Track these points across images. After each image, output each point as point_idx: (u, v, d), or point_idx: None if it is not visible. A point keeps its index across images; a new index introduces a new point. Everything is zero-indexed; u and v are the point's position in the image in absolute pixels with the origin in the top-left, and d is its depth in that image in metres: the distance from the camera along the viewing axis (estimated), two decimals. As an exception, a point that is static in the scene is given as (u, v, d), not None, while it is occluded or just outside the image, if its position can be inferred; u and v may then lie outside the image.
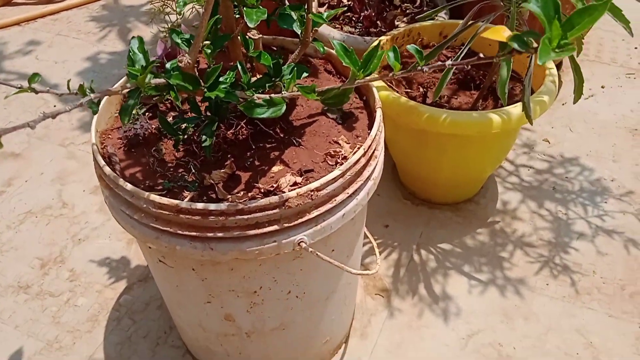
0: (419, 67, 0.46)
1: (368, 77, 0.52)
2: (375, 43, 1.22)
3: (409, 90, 1.22)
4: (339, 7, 1.47)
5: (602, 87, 1.64)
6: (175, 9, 1.55)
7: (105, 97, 0.84)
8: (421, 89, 1.22)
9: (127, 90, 0.56)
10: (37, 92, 0.62)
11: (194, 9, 1.92)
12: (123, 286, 1.18)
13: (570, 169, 1.40)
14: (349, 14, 1.47)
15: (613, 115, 1.54)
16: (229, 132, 0.82)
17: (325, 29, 1.36)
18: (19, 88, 0.60)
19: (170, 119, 0.83)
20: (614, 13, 0.79)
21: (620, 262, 1.19)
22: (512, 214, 1.30)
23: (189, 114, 0.79)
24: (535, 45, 0.38)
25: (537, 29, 1.42)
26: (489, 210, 1.31)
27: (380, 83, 1.13)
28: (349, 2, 1.47)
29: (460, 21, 1.26)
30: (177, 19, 1.58)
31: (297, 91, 0.56)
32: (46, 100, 1.67)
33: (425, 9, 1.45)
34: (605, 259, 1.20)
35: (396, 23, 1.41)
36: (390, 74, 0.50)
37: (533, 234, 1.25)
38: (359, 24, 1.42)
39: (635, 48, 1.78)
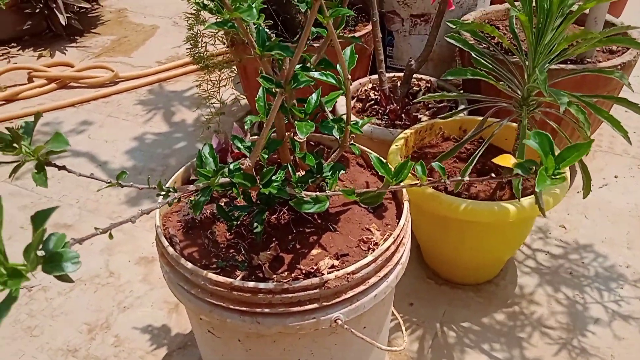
0: (442, 181, 0.58)
1: (399, 185, 0.63)
2: (401, 135, 1.35)
3: (430, 179, 1.33)
4: (367, 100, 1.62)
5: (615, 177, 1.73)
6: (219, 99, 1.73)
7: (170, 181, 0.97)
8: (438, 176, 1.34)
9: (200, 188, 0.68)
10: (122, 186, 0.74)
11: (234, 98, 2.10)
12: (164, 353, 1.26)
13: (585, 254, 1.48)
14: (375, 106, 1.61)
15: (626, 204, 1.63)
16: (273, 217, 0.93)
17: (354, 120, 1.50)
18: (109, 183, 0.72)
19: (222, 204, 0.95)
20: (614, 124, 0.91)
21: (637, 346, 1.24)
22: (529, 297, 1.36)
23: (239, 201, 0.90)
24: (534, 170, 0.49)
25: (556, 141, 1.54)
26: (508, 292, 1.38)
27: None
28: (376, 96, 1.62)
29: (478, 117, 1.39)
30: (220, 106, 1.75)
31: (339, 190, 0.68)
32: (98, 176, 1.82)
33: (445, 104, 1.59)
34: (622, 343, 1.25)
35: (419, 116, 1.54)
36: (418, 184, 0.61)
37: (551, 317, 1.31)
38: (385, 117, 1.56)
39: (646, 140, 1.88)
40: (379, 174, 1.05)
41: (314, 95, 0.78)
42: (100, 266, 1.50)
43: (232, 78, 1.89)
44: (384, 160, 0.63)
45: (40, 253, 0.48)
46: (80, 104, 2.24)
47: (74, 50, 2.69)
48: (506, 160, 0.51)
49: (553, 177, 0.48)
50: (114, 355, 1.26)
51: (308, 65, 0.79)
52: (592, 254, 1.48)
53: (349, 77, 0.73)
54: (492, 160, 0.52)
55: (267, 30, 0.82)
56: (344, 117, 0.82)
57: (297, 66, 0.71)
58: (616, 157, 1.83)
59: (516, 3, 1.02)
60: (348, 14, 0.66)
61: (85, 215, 1.67)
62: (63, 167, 0.73)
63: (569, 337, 1.26)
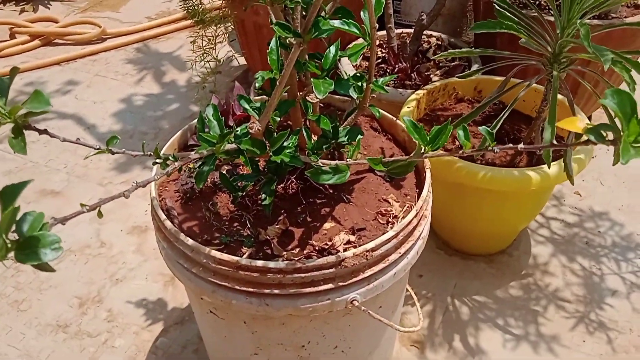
0: (490, 148, 0.49)
1: (435, 152, 0.55)
2: (413, 97, 1.26)
3: (445, 144, 1.25)
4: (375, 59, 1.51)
5: (632, 141, 1.65)
6: (215, 56, 1.61)
7: (164, 148, 0.87)
8: (457, 142, 1.25)
9: (204, 155, 0.59)
10: (113, 153, 0.65)
11: (230, 54, 1.98)
12: (160, 328, 1.19)
13: (601, 223, 1.41)
14: (383, 65, 1.51)
15: (644, 169, 1.56)
16: (279, 187, 0.84)
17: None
18: (98, 149, 0.63)
19: (224, 171, 0.86)
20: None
21: (656, 320, 1.18)
22: (544, 267, 1.30)
23: (242, 168, 0.81)
24: (609, 137, 0.41)
25: (578, 96, 1.45)
26: (522, 262, 1.32)
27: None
28: (384, 54, 1.52)
29: (495, 77, 1.29)
30: (216, 64, 1.63)
31: (364, 160, 0.59)
32: (84, 140, 1.71)
33: (458, 62, 1.49)
34: (640, 316, 1.19)
35: (430, 76, 1.44)
36: (461, 152, 0.52)
37: (566, 289, 1.25)
38: (394, 76, 1.46)
39: (663, 103, 1.80)
40: (396, 138, 0.96)
41: (332, 49, 0.68)
42: (90, 236, 1.41)
43: (228, 35, 1.77)
44: (418, 125, 0.55)
45: (14, 236, 0.40)
46: (65, 62, 2.11)
47: (59, 5, 2.53)
48: (573, 124, 0.42)
49: (635, 144, 0.39)
50: (107, 331, 1.19)
51: (323, 14, 0.69)
52: (609, 222, 1.42)
53: (376, 25, 0.63)
54: (557, 124, 0.44)
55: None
56: (359, 74, 0.72)
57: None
58: None
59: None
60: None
61: (74, 181, 1.58)
62: (44, 131, 0.63)
63: (586, 311, 1.21)
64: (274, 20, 0.61)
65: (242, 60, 1.97)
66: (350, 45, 0.72)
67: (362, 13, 0.67)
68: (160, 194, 0.84)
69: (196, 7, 1.52)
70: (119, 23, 2.36)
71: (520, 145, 0.48)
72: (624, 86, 0.86)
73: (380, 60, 1.51)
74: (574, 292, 1.24)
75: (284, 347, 0.80)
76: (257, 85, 0.61)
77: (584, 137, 0.42)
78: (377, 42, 1.58)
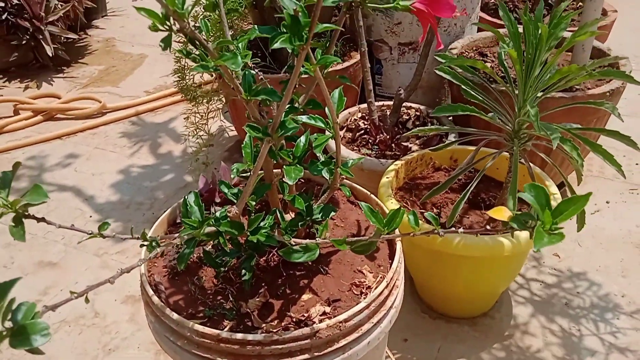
0: (436, 231, 0.56)
1: (391, 234, 0.61)
2: (392, 167, 1.33)
3: (423, 211, 1.31)
4: (357, 130, 1.60)
5: (607, 202, 1.72)
6: (207, 131, 1.71)
7: (154, 227, 0.94)
8: (434, 209, 1.32)
9: (185, 240, 0.66)
10: (104, 237, 0.71)
11: (223, 128, 2.09)
12: (151, 399, 1.22)
13: (579, 283, 1.46)
14: (365, 136, 1.60)
15: (619, 230, 1.62)
16: (262, 259, 0.90)
17: (344, 151, 1.49)
18: (90, 234, 0.69)
19: (210, 247, 0.93)
20: (608, 159, 0.89)
21: (635, 380, 1.21)
22: (524, 328, 1.34)
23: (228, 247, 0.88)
24: (531, 224, 0.47)
25: (546, 170, 1.53)
26: (504, 324, 1.36)
27: (397, 204, 1.23)
28: (366, 126, 1.61)
29: (469, 147, 1.38)
30: (209, 138, 1.73)
31: (329, 240, 0.65)
32: (83, 211, 1.79)
33: (435, 133, 1.57)
34: (620, 376, 1.22)
35: (410, 146, 1.53)
36: (411, 234, 0.59)
37: (546, 350, 1.28)
38: (375, 147, 1.54)
39: (637, 164, 1.88)
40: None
41: (303, 138, 0.76)
42: (85, 306, 1.45)
43: (221, 108, 1.87)
44: (375, 209, 0.61)
45: (8, 324, 0.45)
46: (66, 136, 2.21)
47: (61, 81, 2.67)
48: (501, 213, 0.49)
49: (551, 232, 0.46)
50: (99, 402, 1.21)
51: (296, 105, 0.77)
52: (587, 282, 1.46)
53: (337, 121, 0.71)
54: (487, 212, 0.50)
55: (254, 66, 0.81)
56: (334, 155, 0.80)
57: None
58: (607, 182, 1.82)
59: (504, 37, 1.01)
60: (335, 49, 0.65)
61: (71, 252, 1.63)
62: (42, 219, 0.70)
63: (568, 372, 1.24)
64: (250, 115, 0.69)
65: (234, 132, 2.07)
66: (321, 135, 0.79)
67: (326, 109, 0.75)
68: (149, 269, 0.90)
69: (189, 87, 1.63)
70: (118, 97, 2.48)
71: (461, 230, 0.54)
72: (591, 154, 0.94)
73: (362, 132, 1.60)
74: (554, 354, 1.28)
75: (266, 416, 0.84)
76: (232, 177, 0.69)
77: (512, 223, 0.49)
78: (360, 114, 1.68)
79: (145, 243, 0.66)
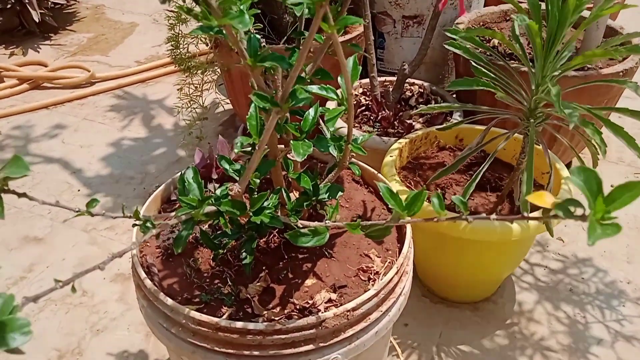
0: (464, 217, 0.50)
1: (412, 217, 0.56)
2: (396, 145, 1.27)
3: (428, 192, 1.26)
4: (358, 106, 1.54)
5: (612, 186, 1.67)
6: (201, 103, 1.63)
7: (146, 204, 0.88)
8: (439, 190, 1.26)
9: (182, 220, 0.60)
10: (93, 215, 0.65)
11: (217, 101, 2.01)
12: (141, 382, 1.17)
13: (584, 269, 1.42)
14: (367, 112, 1.53)
15: (625, 215, 1.58)
16: (262, 241, 0.84)
17: (344, 128, 1.42)
18: (77, 212, 0.63)
19: (207, 227, 0.87)
20: (630, 143, 0.84)
21: (641, 369, 1.18)
22: (528, 315, 1.30)
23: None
24: (578, 213, 0.42)
25: (557, 144, 1.47)
26: (506, 310, 1.32)
27: (399, 186, 1.17)
28: (367, 102, 1.55)
29: (475, 126, 1.32)
30: (203, 111, 1.65)
31: (342, 224, 0.60)
32: (70, 185, 1.72)
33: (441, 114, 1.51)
34: (625, 365, 1.19)
35: (413, 124, 1.47)
36: (435, 219, 0.53)
37: (551, 338, 1.25)
38: (377, 124, 1.48)
39: (642, 148, 1.84)
40: (377, 190, 0.97)
41: (312, 111, 0.69)
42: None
43: (215, 80, 1.79)
44: (394, 190, 0.55)
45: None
46: (54, 106, 2.12)
47: (48, 49, 2.56)
48: (542, 199, 0.43)
49: (602, 222, 0.40)
50: (86, 384, 1.16)
51: (303, 75, 0.71)
52: (592, 268, 1.42)
53: (352, 92, 0.65)
54: (527, 198, 0.45)
55: (255, 32, 0.74)
56: (342, 131, 0.74)
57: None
58: (611, 165, 1.78)
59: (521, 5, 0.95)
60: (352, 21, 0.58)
61: (58, 228, 1.57)
62: (23, 195, 0.63)
63: (572, 360, 1.20)
64: (255, 85, 0.63)
65: (229, 105, 1.99)
66: (328, 109, 0.73)
67: (339, 78, 0.68)
68: (141, 249, 0.84)
69: (183, 56, 1.55)
70: (108, 67, 2.39)
71: (493, 216, 0.49)
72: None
73: (364, 108, 1.54)
74: (559, 341, 1.24)
75: (264, 407, 0.79)
76: (236, 151, 0.63)
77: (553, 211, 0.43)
78: (361, 90, 1.62)
79: (138, 223, 0.60)
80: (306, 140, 0.64)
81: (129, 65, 2.38)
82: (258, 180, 0.65)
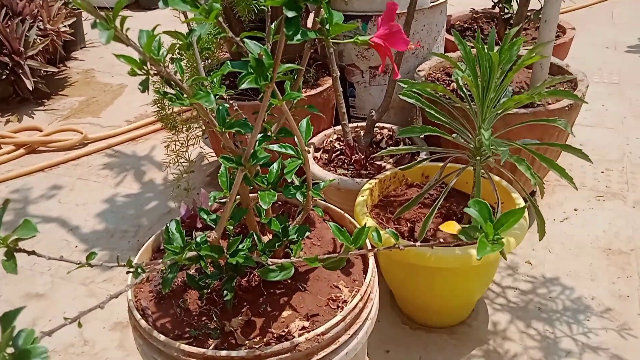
0: (397, 246, 0.61)
1: (359, 249, 0.67)
2: (367, 186, 1.40)
3: (398, 226, 1.37)
4: (332, 151, 1.67)
5: (575, 210, 1.80)
6: (187, 158, 1.76)
7: (139, 254, 0.98)
8: (408, 224, 1.38)
9: (168, 265, 0.71)
10: (92, 266, 0.76)
11: (203, 154, 2.13)
12: (142, 423, 1.24)
13: (552, 288, 1.52)
14: (341, 156, 1.66)
15: (587, 236, 1.69)
16: (243, 280, 0.95)
17: (321, 172, 1.55)
18: (79, 264, 0.74)
19: (193, 271, 0.97)
20: (560, 172, 0.96)
21: (607, 378, 1.27)
22: (502, 334, 1.40)
23: (210, 268, 0.92)
24: (476, 236, 0.53)
25: (518, 177, 1.60)
26: (481, 331, 1.41)
27: (372, 222, 1.28)
28: (341, 147, 1.67)
29: (438, 164, 1.44)
30: (190, 165, 1.77)
31: (302, 259, 0.71)
32: (68, 242, 1.82)
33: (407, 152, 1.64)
34: (593, 375, 1.28)
35: (383, 164, 1.59)
36: (375, 250, 0.64)
37: (524, 353, 1.34)
38: (351, 167, 1.61)
39: (602, 172, 1.97)
40: (346, 228, 1.08)
41: (275, 165, 0.81)
42: (74, 335, 1.48)
43: (200, 135, 1.92)
44: (343, 228, 0.67)
45: (10, 350, 0.50)
46: (49, 168, 2.24)
47: (42, 114, 2.70)
48: (451, 227, 0.55)
49: (493, 242, 0.52)
50: None
51: (269, 134, 0.83)
52: (559, 287, 1.53)
53: (306, 148, 0.77)
54: (439, 227, 0.56)
55: (227, 98, 0.86)
56: (299, 183, 0.86)
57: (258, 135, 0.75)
58: (575, 191, 1.90)
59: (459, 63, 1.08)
60: (307, 74, 0.71)
61: (58, 283, 1.66)
62: (32, 252, 0.74)
63: (543, 374, 1.29)
64: (225, 145, 0.75)
65: (214, 157, 2.12)
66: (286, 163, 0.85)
67: (295, 138, 0.81)
68: (136, 295, 0.94)
69: (168, 115, 1.68)
70: (99, 128, 2.52)
71: (418, 243, 0.60)
72: (563, 158, 1.00)
73: (338, 152, 1.67)
74: (531, 356, 1.33)
75: None
76: (210, 203, 0.74)
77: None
78: (336, 136, 1.75)
79: (131, 270, 0.70)
80: (271, 190, 0.76)
81: (120, 124, 2.52)
82: (232, 227, 0.76)
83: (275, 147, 0.76)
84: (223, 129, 0.72)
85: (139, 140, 2.40)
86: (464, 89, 1.09)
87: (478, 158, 1.08)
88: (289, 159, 0.88)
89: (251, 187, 0.86)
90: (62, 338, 1.47)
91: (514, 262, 1.61)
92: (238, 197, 0.85)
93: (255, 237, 0.79)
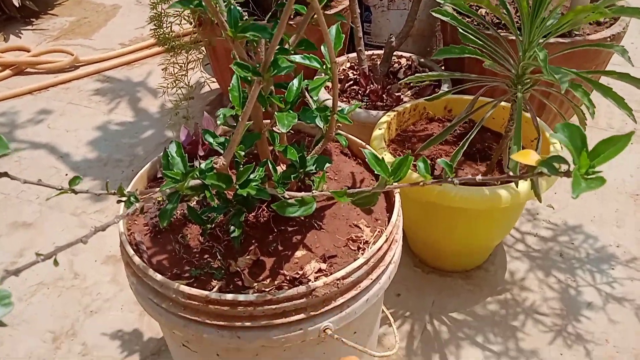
0: (450, 179, 0.50)
1: (398, 183, 0.55)
2: (384, 119, 1.27)
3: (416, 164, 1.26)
4: (346, 81, 1.53)
5: (601, 152, 1.68)
6: (187, 83, 1.61)
7: (132, 182, 0.87)
8: (429, 162, 1.26)
9: (167, 194, 0.59)
10: (76, 193, 0.64)
11: (203, 81, 1.98)
12: (136, 361, 1.17)
13: (575, 236, 1.43)
14: (355, 87, 1.52)
15: (614, 180, 1.59)
16: (251, 215, 0.84)
17: (330, 101, 1.41)
18: (60, 189, 0.62)
19: (194, 203, 0.86)
20: (619, 103, 0.84)
21: (632, 330, 1.20)
22: (520, 282, 1.31)
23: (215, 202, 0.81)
24: (562, 169, 0.41)
25: (546, 112, 1.47)
26: (498, 278, 1.33)
27: (391, 157, 1.17)
28: (355, 76, 1.53)
29: (464, 96, 1.31)
30: (189, 91, 1.63)
31: (329, 192, 0.59)
32: (58, 169, 1.70)
33: (428, 82, 1.50)
34: (617, 327, 1.21)
35: (401, 96, 1.46)
36: (421, 183, 0.53)
37: (543, 303, 1.26)
38: (365, 98, 1.47)
39: (630, 114, 1.84)
40: (365, 162, 0.97)
41: (296, 81, 0.68)
42: (63, 267, 1.39)
43: (201, 60, 1.77)
44: (380, 156, 0.55)
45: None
46: (38, 91, 2.09)
47: (30, 34, 2.52)
48: (527, 157, 0.43)
49: (586, 177, 0.40)
50: (82, 366, 1.17)
51: (286, 46, 0.70)
52: (582, 234, 1.43)
53: (336, 60, 0.64)
54: (511, 156, 0.44)
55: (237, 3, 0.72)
56: (328, 103, 0.73)
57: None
58: (601, 132, 1.78)
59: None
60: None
61: (47, 213, 1.56)
62: (4, 174, 0.62)
63: (564, 324, 1.22)
64: (237, 57, 0.62)
65: (216, 84, 1.97)
66: (313, 80, 0.72)
67: (322, 47, 0.67)
68: (129, 227, 0.83)
69: (166, 35, 1.53)
70: (91, 50, 2.35)
71: (478, 177, 0.49)
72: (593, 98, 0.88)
73: (352, 82, 1.53)
74: (550, 306, 1.25)
75: (259, 378, 0.79)
76: (219, 122, 0.62)
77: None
78: (349, 64, 1.60)
79: (123, 199, 0.59)
80: (290, 112, 0.64)
81: (113, 48, 2.35)
82: (243, 153, 0.64)
83: (297, 57, 0.63)
84: (235, 34, 0.58)
85: (134, 65, 2.24)
86: (508, 6, 0.94)
87: (519, 87, 0.95)
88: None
89: (265, 110, 0.74)
90: (51, 271, 1.38)
91: (534, 206, 1.51)
92: (249, 122, 0.72)
93: (270, 166, 0.68)
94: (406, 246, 1.40)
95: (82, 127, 1.89)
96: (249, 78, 0.55)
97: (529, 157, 0.42)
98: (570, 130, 0.40)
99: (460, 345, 1.18)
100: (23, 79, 2.18)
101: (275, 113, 0.63)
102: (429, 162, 0.55)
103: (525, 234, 1.44)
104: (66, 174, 1.69)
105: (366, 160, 0.88)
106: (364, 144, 0.94)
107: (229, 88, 0.62)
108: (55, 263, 0.49)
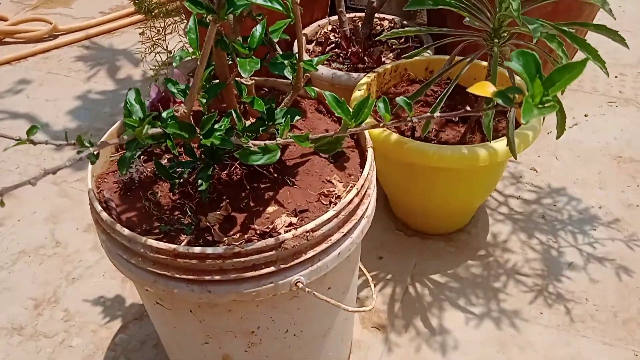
0: (409, 119, 0.48)
1: (359, 127, 0.54)
2: (364, 80, 1.25)
3: (396, 120, 1.24)
4: (327, 44, 1.50)
5: (586, 115, 1.68)
6: (165, 47, 1.58)
7: (101, 140, 0.85)
8: (410, 124, 1.25)
9: (125, 141, 0.58)
10: (35, 144, 0.63)
11: (183, 46, 1.95)
12: (118, 325, 1.17)
13: (558, 198, 1.43)
14: (336, 50, 1.50)
15: (597, 143, 1.58)
16: (223, 173, 0.83)
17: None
18: (18, 140, 0.61)
19: (166, 161, 0.85)
20: (591, 53, 0.82)
21: (612, 289, 1.20)
22: (502, 245, 1.31)
23: (184, 157, 0.80)
24: (518, 100, 0.40)
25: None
26: (480, 240, 1.33)
27: (369, 119, 1.15)
28: (337, 39, 1.51)
29: (445, 57, 1.29)
30: (168, 57, 1.60)
31: (291, 138, 0.58)
32: (39, 139, 1.68)
33: (410, 44, 1.48)
34: (597, 286, 1.21)
35: (383, 59, 1.44)
36: (381, 124, 0.51)
37: (525, 264, 1.26)
38: (347, 60, 1.45)
39: (615, 77, 1.83)
40: (340, 119, 0.95)
41: (259, 27, 0.66)
42: (45, 236, 1.38)
43: (182, 25, 1.73)
44: (341, 99, 0.54)
45: None
46: (16, 61, 2.05)
47: (8, 2, 2.46)
48: (483, 89, 0.42)
49: (541, 105, 0.39)
50: (64, 331, 1.16)
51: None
52: (565, 196, 1.43)
53: (298, 1, 0.62)
54: (467, 89, 0.43)
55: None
56: (322, 70, 0.71)
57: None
58: (586, 95, 1.77)
59: None
60: None
61: (27, 182, 1.53)
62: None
63: (544, 284, 1.22)
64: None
65: (198, 52, 1.94)
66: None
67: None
68: (98, 185, 0.82)
69: (145, 1, 1.49)
70: (71, 19, 2.30)
71: (437, 114, 0.48)
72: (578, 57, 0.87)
73: (333, 45, 1.50)
74: (532, 267, 1.26)
75: (233, 334, 0.79)
76: (174, 65, 0.60)
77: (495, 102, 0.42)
78: (330, 27, 1.57)
79: (81, 150, 0.58)
80: (253, 57, 0.62)
81: (93, 16, 2.29)
82: (205, 101, 0.62)
83: None
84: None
85: (114, 34, 2.20)
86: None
87: (496, 41, 0.93)
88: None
89: (230, 62, 0.72)
90: (32, 238, 1.37)
91: (517, 169, 1.51)
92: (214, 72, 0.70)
93: (235, 115, 0.66)
94: (388, 210, 1.39)
95: (62, 97, 1.86)
96: (205, 18, 0.53)
97: (485, 88, 0.41)
98: (525, 58, 0.39)
99: (442, 307, 1.18)
100: (1, 48, 2.14)
101: (238, 59, 0.61)
102: (389, 104, 0.54)
103: (508, 197, 1.44)
104: (46, 142, 1.66)
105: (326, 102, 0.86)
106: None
107: (186, 30, 0.60)
108: (2, 204, 0.48)
